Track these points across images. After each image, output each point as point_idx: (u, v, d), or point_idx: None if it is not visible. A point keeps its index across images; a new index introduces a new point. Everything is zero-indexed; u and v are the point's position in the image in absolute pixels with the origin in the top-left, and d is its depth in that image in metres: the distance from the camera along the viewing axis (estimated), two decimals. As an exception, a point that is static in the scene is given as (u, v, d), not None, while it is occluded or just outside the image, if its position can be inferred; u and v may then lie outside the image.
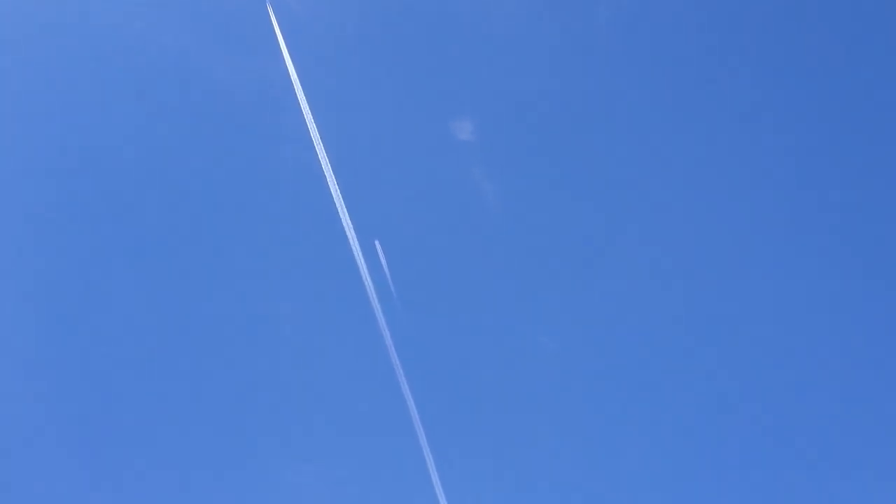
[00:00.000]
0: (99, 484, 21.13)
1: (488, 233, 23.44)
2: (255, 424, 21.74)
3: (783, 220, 23.52)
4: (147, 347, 22.20)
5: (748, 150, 24.05)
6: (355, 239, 21.81)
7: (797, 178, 23.68)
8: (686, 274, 23.12)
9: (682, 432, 21.88)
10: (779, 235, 23.46)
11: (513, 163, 24.20)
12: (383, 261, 21.62)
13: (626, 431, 21.93)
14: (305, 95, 23.13)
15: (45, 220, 22.70)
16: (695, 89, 24.29)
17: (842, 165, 23.79)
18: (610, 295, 22.94)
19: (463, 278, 23.07)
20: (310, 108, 23.05)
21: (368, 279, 21.50)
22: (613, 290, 22.90)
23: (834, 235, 23.34)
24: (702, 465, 21.83)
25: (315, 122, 22.90)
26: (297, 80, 23.20)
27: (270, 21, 23.52)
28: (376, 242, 21.73)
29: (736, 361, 22.44)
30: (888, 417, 21.95)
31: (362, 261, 21.65)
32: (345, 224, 21.89)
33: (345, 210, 21.95)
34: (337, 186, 22.14)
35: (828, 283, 23.01)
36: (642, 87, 24.18)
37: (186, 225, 23.20)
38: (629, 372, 22.38)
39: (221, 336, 22.37)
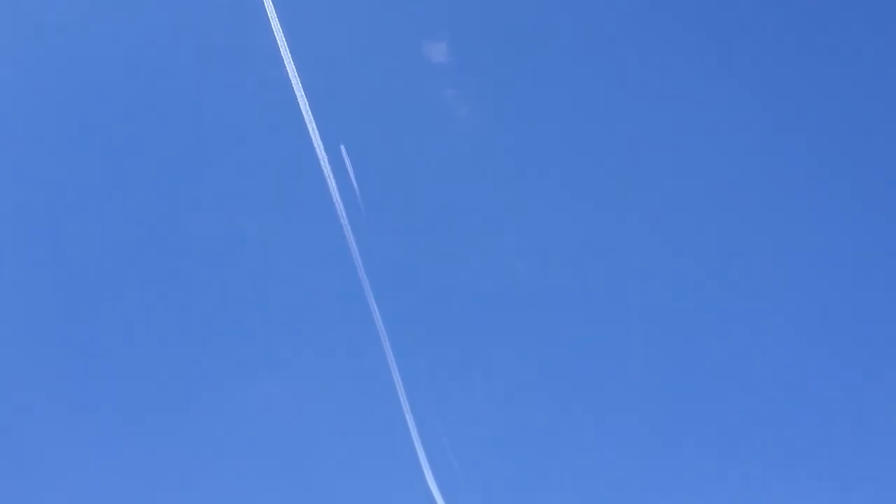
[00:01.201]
0: (70, 395, 21.31)
1: (459, 154, 23.48)
2: (222, 338, 21.89)
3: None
4: (116, 261, 22.28)
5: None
6: (325, 155, 21.86)
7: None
8: (663, 197, 23.26)
9: (658, 356, 22.16)
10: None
11: (486, 85, 24.18)
12: (353, 177, 21.70)
13: (599, 355, 22.19)
14: (277, 13, 22.96)
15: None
16: (682, 27, 24.27)
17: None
18: (584, 219, 23.09)
19: (433, 197, 23.14)
20: (280, 26, 22.89)
21: (338, 196, 21.59)
22: (587, 215, 23.04)
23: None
24: (678, 389, 22.16)
25: (286, 39, 22.76)
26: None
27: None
28: (343, 150, 21.79)
29: (716, 282, 22.66)
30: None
31: (332, 179, 21.74)
32: (314, 139, 21.92)
33: (314, 126, 21.97)
34: (306, 101, 22.11)
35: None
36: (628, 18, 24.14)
37: (154, 136, 23.14)
38: (602, 296, 22.62)
39: (188, 249, 22.43)
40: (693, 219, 23.08)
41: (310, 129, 21.87)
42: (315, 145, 21.76)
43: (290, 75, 22.48)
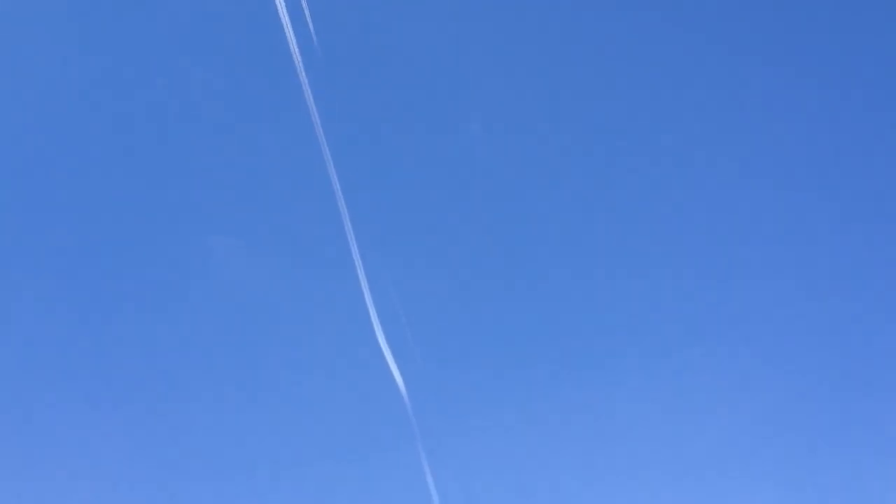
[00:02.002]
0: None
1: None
2: (172, 195, 21.73)
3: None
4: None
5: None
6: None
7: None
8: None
9: (621, 216, 21.90)
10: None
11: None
12: (311, 27, 21.50)
13: (557, 221, 21.97)
14: None
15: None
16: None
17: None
18: (544, 84, 22.88)
19: (390, 48, 22.98)
20: None
21: (295, 47, 21.40)
22: (548, 78, 22.83)
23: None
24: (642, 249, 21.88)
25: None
26: None
27: None
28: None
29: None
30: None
31: (290, 29, 21.54)
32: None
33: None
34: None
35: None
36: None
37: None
38: (562, 160, 22.39)
39: (143, 101, 22.30)
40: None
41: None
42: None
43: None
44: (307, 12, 21.65)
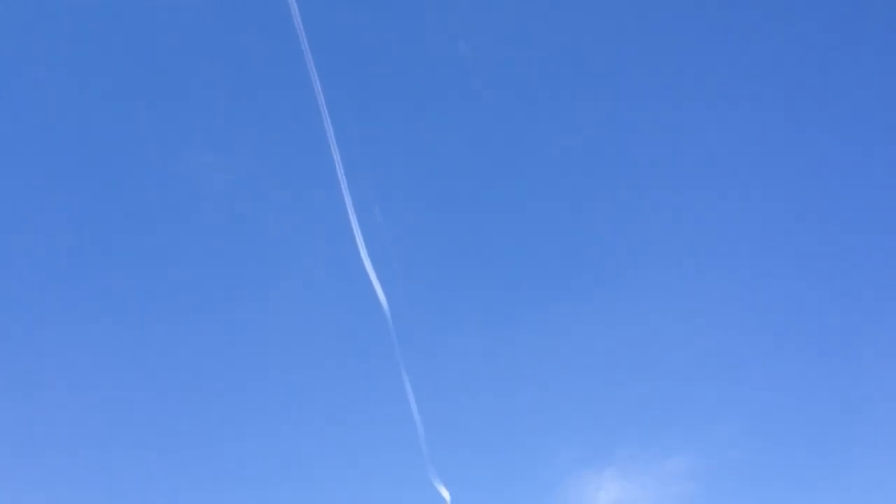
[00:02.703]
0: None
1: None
2: (160, 112, 21.97)
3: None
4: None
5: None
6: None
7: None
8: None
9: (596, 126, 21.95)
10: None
11: None
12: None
13: (537, 137, 22.17)
14: None
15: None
16: None
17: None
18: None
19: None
20: None
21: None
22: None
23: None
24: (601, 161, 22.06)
25: None
26: None
27: None
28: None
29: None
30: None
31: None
32: None
33: None
34: None
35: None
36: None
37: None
38: (548, 80, 22.53)
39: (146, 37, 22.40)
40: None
41: None
42: None
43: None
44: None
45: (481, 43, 22.81)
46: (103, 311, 21.06)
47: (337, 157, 20.98)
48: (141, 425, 20.03)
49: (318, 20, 21.29)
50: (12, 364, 20.37)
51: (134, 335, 20.80)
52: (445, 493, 20.22)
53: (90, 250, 20.97)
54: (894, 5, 24.04)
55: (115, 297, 20.81)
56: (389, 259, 20.62)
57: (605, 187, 22.69)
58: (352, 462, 20.20)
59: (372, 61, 22.26)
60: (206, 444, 20.27)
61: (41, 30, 21.27)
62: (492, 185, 22.30)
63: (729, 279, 22.90)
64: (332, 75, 21.52)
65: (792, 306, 22.69)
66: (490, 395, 20.59)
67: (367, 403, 20.23)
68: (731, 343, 22.38)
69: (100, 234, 20.99)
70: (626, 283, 22.33)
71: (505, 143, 22.64)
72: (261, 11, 22.45)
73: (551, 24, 23.21)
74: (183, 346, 20.76)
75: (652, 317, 22.01)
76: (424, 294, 21.24)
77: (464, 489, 20.44)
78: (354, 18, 22.65)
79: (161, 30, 22.42)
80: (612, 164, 22.76)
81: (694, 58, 23.43)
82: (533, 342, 20.74)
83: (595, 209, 22.61)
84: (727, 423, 21.54)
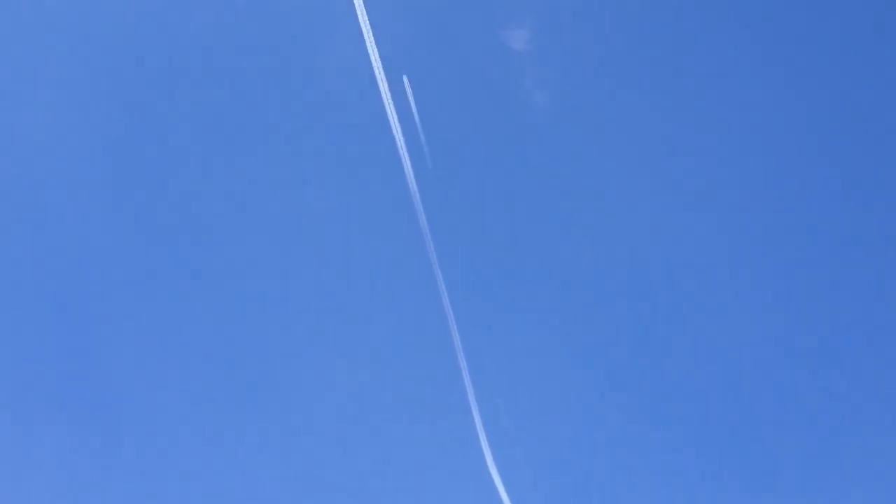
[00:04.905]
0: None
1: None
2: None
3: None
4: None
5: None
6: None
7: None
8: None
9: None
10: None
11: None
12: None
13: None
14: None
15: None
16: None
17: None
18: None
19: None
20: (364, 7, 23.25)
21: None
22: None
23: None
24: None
25: (369, 21, 23.12)
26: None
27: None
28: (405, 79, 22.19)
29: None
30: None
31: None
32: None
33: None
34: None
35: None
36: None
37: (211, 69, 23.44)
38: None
39: (250, 221, 22.91)
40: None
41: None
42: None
43: (371, 55, 22.77)
44: (422, 137, 22.19)
45: (611, 252, 22.97)
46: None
47: (468, 382, 21.11)
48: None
49: (446, 231, 21.82)
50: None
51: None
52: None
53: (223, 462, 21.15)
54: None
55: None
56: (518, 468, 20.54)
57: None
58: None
59: (502, 273, 22.50)
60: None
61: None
62: (640, 405, 21.99)
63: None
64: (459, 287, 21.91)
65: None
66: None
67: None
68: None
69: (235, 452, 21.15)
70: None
71: (651, 366, 22.46)
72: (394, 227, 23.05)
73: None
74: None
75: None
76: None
77: None
78: (483, 230, 22.94)
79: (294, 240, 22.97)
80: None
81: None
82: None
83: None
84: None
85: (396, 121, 22.41)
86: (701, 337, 22.39)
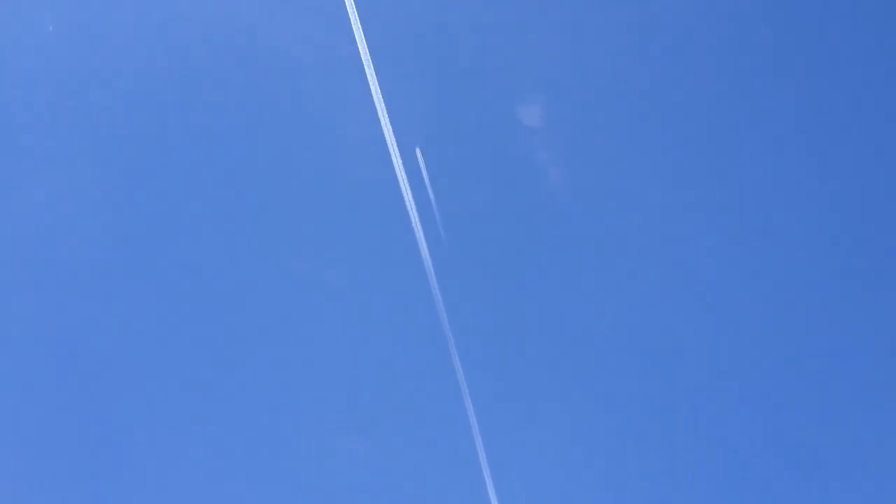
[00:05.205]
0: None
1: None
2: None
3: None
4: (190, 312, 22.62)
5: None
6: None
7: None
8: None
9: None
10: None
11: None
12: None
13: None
14: (375, 72, 23.30)
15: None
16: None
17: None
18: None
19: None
20: (378, 82, 23.23)
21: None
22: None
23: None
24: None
25: (382, 96, 23.07)
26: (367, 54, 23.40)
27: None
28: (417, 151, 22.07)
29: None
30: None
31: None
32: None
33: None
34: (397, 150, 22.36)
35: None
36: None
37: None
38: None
39: (268, 296, 22.63)
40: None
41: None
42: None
43: (384, 130, 22.72)
44: (436, 212, 21.99)
45: (630, 330, 22.68)
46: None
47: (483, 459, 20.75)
48: None
49: (462, 308, 21.66)
50: None
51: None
52: None
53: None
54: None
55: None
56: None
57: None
58: None
59: (518, 350, 22.22)
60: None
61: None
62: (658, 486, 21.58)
63: None
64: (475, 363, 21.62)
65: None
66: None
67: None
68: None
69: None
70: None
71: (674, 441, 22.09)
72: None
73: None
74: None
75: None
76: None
77: None
78: (498, 306, 22.68)
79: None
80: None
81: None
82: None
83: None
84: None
85: (410, 196, 22.23)
86: (717, 415, 22.03)
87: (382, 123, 22.77)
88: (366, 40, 23.26)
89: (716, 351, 22.38)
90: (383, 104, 22.90)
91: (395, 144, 22.68)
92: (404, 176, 22.43)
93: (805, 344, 22.46)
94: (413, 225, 21.88)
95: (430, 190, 22.31)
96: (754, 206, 23.45)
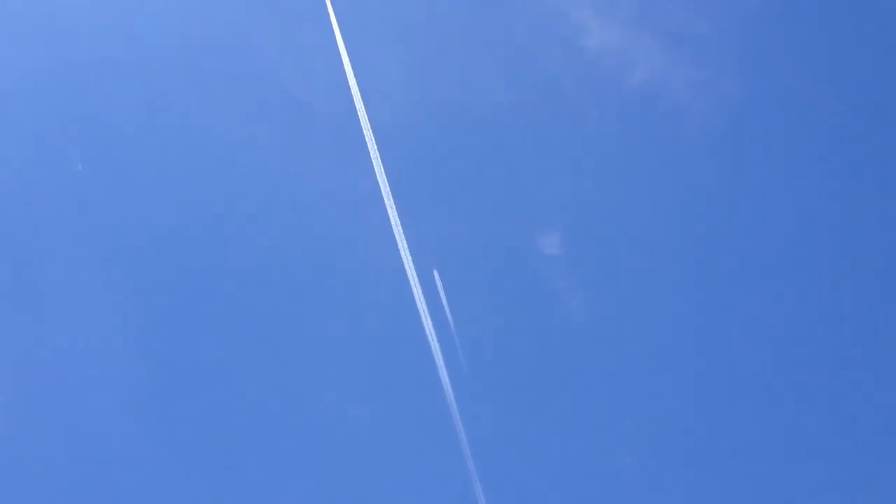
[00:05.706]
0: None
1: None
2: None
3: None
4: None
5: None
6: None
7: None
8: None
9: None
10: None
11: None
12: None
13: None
14: (396, 206, 23.74)
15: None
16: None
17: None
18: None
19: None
20: (397, 215, 23.65)
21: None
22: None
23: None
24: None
25: (402, 227, 23.49)
26: (388, 188, 23.84)
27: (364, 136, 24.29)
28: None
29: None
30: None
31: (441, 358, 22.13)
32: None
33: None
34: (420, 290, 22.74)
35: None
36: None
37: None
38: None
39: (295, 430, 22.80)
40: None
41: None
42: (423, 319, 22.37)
43: (405, 262, 23.09)
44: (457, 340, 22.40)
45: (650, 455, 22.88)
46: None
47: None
48: None
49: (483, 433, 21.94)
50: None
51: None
52: None
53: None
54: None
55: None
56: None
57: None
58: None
59: (542, 479, 22.49)
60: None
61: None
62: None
63: None
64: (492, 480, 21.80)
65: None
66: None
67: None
68: None
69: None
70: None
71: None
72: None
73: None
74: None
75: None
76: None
77: None
78: (520, 436, 22.93)
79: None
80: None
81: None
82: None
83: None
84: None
85: (431, 326, 22.58)
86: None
87: (403, 257, 23.18)
88: (387, 178, 23.80)
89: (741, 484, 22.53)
90: (404, 239, 23.35)
91: (415, 275, 23.09)
92: (425, 306, 22.81)
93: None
94: (434, 352, 22.26)
95: (450, 317, 22.69)
96: (776, 337, 23.74)
